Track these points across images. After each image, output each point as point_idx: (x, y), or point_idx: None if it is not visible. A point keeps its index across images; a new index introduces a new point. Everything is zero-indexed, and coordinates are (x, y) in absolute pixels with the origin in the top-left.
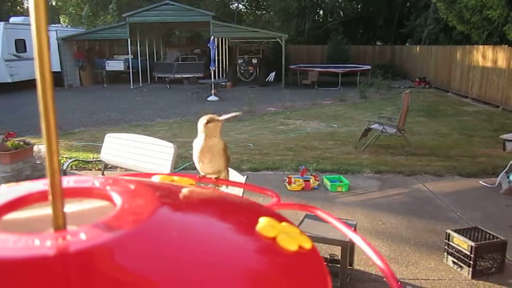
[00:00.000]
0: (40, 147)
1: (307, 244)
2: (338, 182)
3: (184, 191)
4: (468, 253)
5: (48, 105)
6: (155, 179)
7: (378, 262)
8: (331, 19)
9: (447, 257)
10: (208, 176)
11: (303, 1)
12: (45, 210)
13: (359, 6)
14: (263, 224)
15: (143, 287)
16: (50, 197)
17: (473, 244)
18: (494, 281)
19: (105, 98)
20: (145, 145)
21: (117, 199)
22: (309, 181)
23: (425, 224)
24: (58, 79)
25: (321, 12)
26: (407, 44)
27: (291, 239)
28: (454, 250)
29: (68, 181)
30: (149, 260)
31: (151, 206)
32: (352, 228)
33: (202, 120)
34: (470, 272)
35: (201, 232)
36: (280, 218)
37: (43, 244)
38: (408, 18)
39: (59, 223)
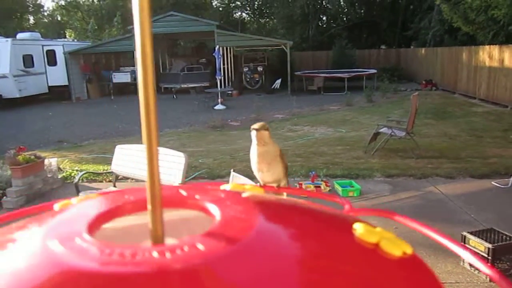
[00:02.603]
0: (51, 161)
1: (408, 249)
2: (349, 187)
3: (269, 199)
4: (485, 255)
5: (150, 112)
6: (226, 186)
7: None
8: (334, 25)
9: (463, 259)
10: (268, 184)
11: (306, 8)
12: (138, 220)
13: (362, 11)
14: (362, 230)
15: None
16: (149, 207)
17: (490, 246)
18: None
19: (113, 110)
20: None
21: (215, 210)
22: (320, 187)
23: (439, 227)
24: (65, 93)
25: (324, 18)
26: (412, 47)
27: (394, 244)
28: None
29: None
30: (265, 276)
31: (251, 217)
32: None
33: (253, 128)
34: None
35: (305, 242)
36: (371, 224)
37: (149, 258)
38: (412, 21)
39: (158, 235)
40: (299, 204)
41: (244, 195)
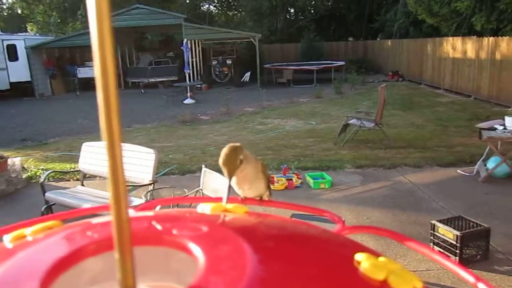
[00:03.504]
0: (14, 160)
1: (419, 284)
2: (321, 179)
3: (255, 225)
4: (454, 242)
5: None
6: (205, 209)
7: None
8: (302, 17)
9: (433, 247)
10: (250, 198)
11: (274, 0)
12: (103, 262)
13: (329, 3)
14: (367, 264)
15: None
16: (117, 254)
17: (458, 233)
18: (481, 268)
19: (79, 106)
20: (125, 153)
21: (197, 251)
22: (291, 179)
23: (409, 216)
24: (28, 89)
25: (292, 11)
26: (378, 39)
27: (403, 280)
28: (439, 240)
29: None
30: None
31: (240, 259)
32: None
33: (220, 162)
34: (457, 261)
35: (309, 283)
36: (371, 252)
37: None
38: (378, 13)
39: (129, 285)
40: (288, 228)
41: (226, 220)
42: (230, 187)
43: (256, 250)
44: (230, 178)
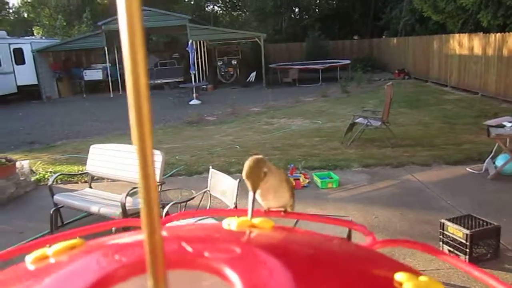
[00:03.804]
0: (23, 163)
1: None
2: (328, 179)
3: (283, 244)
4: (464, 241)
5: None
6: (231, 224)
7: None
8: (307, 16)
9: (442, 246)
10: (273, 209)
11: (278, 0)
12: (134, 285)
13: (334, 2)
14: (411, 286)
15: None
16: (150, 280)
17: (468, 232)
18: (491, 266)
19: (85, 108)
20: (132, 154)
21: (231, 275)
22: (299, 179)
23: (417, 215)
24: (35, 92)
25: (296, 10)
26: (384, 37)
27: None
28: (449, 239)
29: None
30: None
31: (278, 281)
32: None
33: (243, 175)
34: (467, 260)
35: None
36: (411, 270)
37: None
38: (383, 11)
39: None
40: (320, 245)
41: (256, 238)
42: (254, 199)
43: (292, 273)
44: (254, 191)
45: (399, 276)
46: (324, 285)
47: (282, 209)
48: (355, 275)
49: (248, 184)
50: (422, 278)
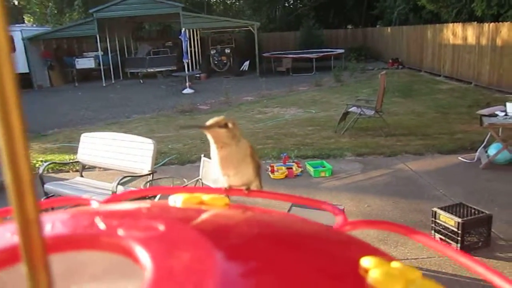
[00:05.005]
0: None
1: None
2: (321, 168)
3: (233, 222)
4: (455, 230)
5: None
6: (176, 201)
7: None
8: (301, 5)
9: (434, 234)
10: (236, 187)
11: None
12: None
13: None
14: (378, 272)
15: None
16: (25, 268)
17: (459, 220)
18: (482, 255)
19: (77, 97)
20: (124, 143)
21: (144, 257)
22: (292, 168)
23: (410, 204)
24: (26, 81)
25: None
26: (378, 26)
27: None
28: (441, 227)
29: (54, 220)
30: None
31: (202, 266)
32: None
33: (202, 127)
34: (458, 248)
35: None
36: (382, 254)
37: None
38: (377, 0)
39: None
40: (275, 225)
41: (196, 216)
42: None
43: (226, 257)
44: (207, 128)
45: (366, 261)
46: (261, 273)
47: (245, 187)
48: (310, 259)
49: (209, 136)
50: (394, 264)
